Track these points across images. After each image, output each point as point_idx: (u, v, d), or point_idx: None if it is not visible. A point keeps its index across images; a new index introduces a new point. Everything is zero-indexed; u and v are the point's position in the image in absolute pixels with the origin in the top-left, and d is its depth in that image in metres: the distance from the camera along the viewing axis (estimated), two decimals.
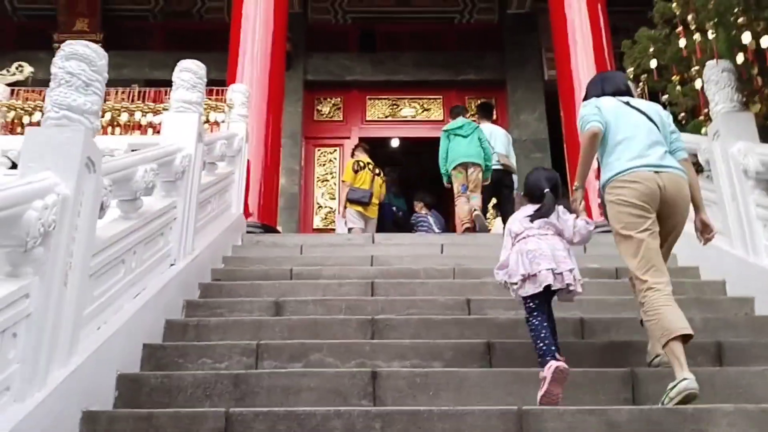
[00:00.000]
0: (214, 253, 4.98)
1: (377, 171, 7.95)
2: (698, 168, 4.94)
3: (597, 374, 3.06)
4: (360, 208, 7.59)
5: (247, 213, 6.78)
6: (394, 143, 12.02)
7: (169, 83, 9.42)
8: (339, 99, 11.13)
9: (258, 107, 7.40)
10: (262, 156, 7.28)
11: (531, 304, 3.10)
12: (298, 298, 4.23)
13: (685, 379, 2.69)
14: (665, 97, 6.21)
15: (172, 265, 4.12)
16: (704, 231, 3.28)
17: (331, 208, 10.39)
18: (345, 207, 7.72)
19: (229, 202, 5.94)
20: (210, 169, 5.38)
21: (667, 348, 2.82)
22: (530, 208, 3.33)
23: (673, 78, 5.86)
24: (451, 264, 5.08)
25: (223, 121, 6.43)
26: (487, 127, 7.37)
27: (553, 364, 2.82)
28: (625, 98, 3.36)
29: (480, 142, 6.57)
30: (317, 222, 10.33)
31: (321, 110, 11.08)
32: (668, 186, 3.08)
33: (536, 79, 10.90)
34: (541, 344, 2.98)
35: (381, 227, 7.69)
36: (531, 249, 3.12)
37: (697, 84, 5.39)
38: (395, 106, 11.11)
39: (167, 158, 4.11)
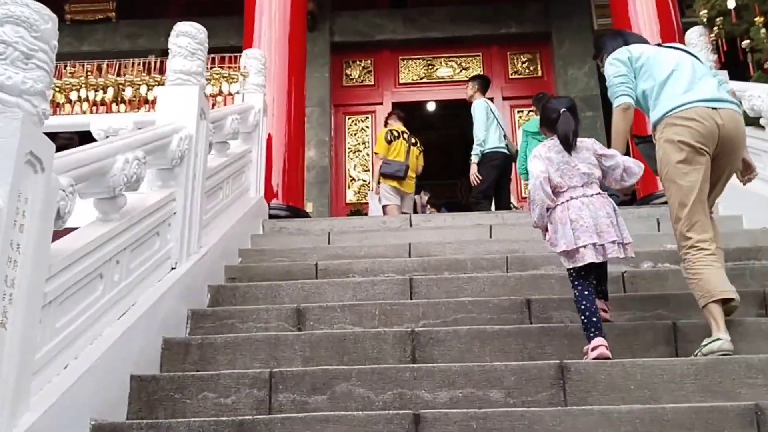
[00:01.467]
0: (228, 247, 4.33)
1: (413, 140, 7.17)
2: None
3: None
4: (395, 183, 6.84)
5: (269, 194, 6.12)
6: (430, 107, 11.19)
7: None
8: (369, 61, 10.28)
9: (279, 74, 6.68)
10: (285, 129, 6.58)
11: (573, 273, 2.91)
12: (324, 303, 3.55)
13: (719, 339, 2.66)
14: (746, 42, 5.27)
15: (172, 269, 3.47)
16: (746, 171, 3.12)
17: (364, 180, 9.67)
18: (378, 182, 6.99)
19: (247, 184, 5.27)
20: (220, 150, 4.70)
21: (705, 309, 2.75)
22: (555, 141, 3.02)
23: (757, 19, 4.92)
24: (503, 251, 4.33)
25: (237, 93, 5.73)
26: (491, 104, 6.79)
27: (597, 347, 2.72)
28: (655, 43, 3.26)
29: None
30: (350, 196, 9.62)
31: (350, 74, 10.27)
32: (727, 124, 2.85)
33: (585, 30, 9.86)
34: (583, 317, 2.82)
35: None
36: (573, 218, 2.86)
37: None
38: (431, 67, 10.23)
39: (160, 142, 3.42)
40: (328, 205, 9.35)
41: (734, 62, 5.57)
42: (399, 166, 6.87)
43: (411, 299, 3.65)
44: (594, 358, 2.70)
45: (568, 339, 2.99)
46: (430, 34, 10.04)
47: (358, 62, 10.30)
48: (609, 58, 3.16)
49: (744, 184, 3.24)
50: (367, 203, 8.83)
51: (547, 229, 3.02)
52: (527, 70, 10.05)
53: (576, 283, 2.89)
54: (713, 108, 2.87)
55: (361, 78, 10.24)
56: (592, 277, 2.92)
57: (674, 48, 3.19)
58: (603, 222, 2.83)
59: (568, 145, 2.96)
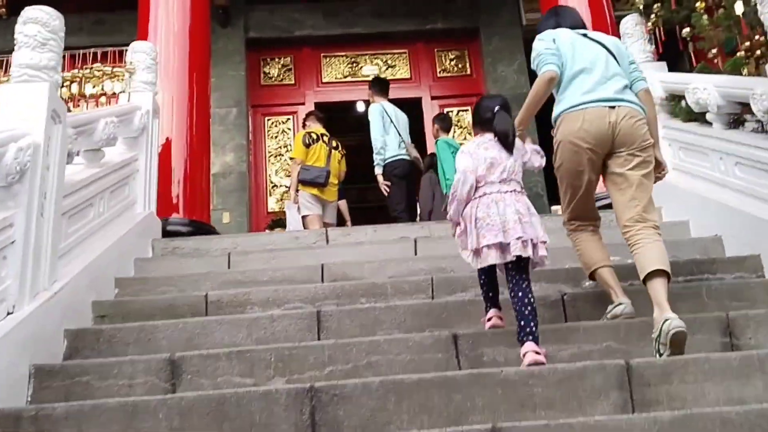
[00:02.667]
0: (100, 277, 3.58)
1: (334, 143, 6.53)
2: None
3: None
4: (315, 191, 6.18)
5: (168, 208, 5.38)
6: (360, 107, 10.56)
7: (85, 48, 7.86)
8: (289, 59, 9.57)
9: (179, 71, 5.95)
10: (187, 132, 5.83)
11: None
12: (208, 349, 2.86)
13: (620, 303, 2.97)
14: (686, 31, 4.87)
15: (9, 313, 2.73)
16: (656, 168, 3.14)
17: (287, 186, 8.90)
18: (297, 190, 6.32)
19: (132, 198, 4.51)
20: (91, 159, 3.94)
21: (597, 276, 3.03)
22: (484, 138, 2.95)
23: (698, 5, 4.51)
24: (429, 269, 3.76)
25: (122, 92, 4.96)
26: (389, 107, 6.38)
27: (491, 317, 2.95)
28: (582, 31, 3.22)
29: None
30: (272, 204, 8.89)
31: (269, 73, 9.53)
32: (622, 122, 2.92)
33: (514, 25, 9.46)
34: (483, 293, 3.00)
35: None
36: (479, 216, 2.77)
37: (738, 8, 4.06)
38: (355, 64, 9.61)
39: None
40: (248, 214, 8.61)
41: (674, 53, 5.17)
42: (319, 172, 6.22)
43: (317, 338, 3.03)
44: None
45: (503, 388, 2.42)
46: (352, 29, 9.41)
47: (276, 60, 9.58)
48: (538, 36, 3.20)
49: (654, 182, 3.18)
50: None
51: (458, 224, 2.92)
52: (456, 68, 9.56)
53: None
54: (610, 107, 2.94)
55: (281, 77, 9.53)
56: (522, 275, 2.75)
57: (595, 41, 3.16)
58: (510, 219, 2.72)
59: (508, 144, 2.88)
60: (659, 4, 4.78)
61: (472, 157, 2.88)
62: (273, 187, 9.02)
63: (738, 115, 4.02)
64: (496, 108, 2.93)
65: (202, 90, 6.19)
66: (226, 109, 8.96)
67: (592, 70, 3.03)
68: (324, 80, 9.50)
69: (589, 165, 2.97)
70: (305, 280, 3.74)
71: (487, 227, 2.72)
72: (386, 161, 6.16)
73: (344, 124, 11.65)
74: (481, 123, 3.01)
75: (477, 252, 2.76)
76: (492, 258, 2.71)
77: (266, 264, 4.04)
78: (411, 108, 9.14)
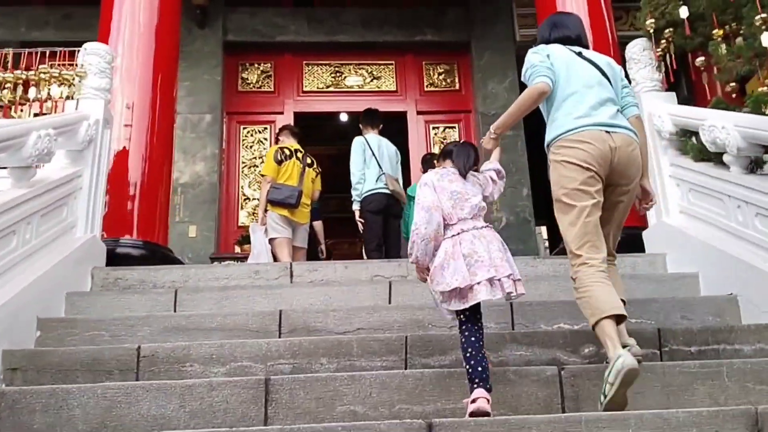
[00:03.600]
0: (17, 319, 3.04)
1: (309, 161, 6.02)
2: None
3: None
4: (286, 212, 5.66)
5: (119, 228, 4.86)
6: (344, 117, 10.06)
7: (51, 44, 7.29)
8: (269, 65, 9.05)
9: (142, 75, 5.42)
10: (146, 142, 5.29)
11: (463, 317, 2.62)
12: (126, 429, 2.34)
13: (620, 356, 2.42)
14: (701, 60, 4.43)
15: None
16: (644, 199, 3.09)
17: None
18: (265, 210, 5.79)
19: (71, 221, 3.96)
20: (19, 178, 3.39)
21: (597, 328, 2.60)
22: (447, 170, 2.84)
23: (715, 32, 4.08)
24: (404, 323, 3.27)
25: (68, 98, 4.41)
26: (374, 139, 5.94)
27: (477, 399, 2.41)
28: (577, 48, 3.07)
29: None
30: (243, 218, 8.34)
31: (247, 79, 9.00)
32: (620, 147, 2.81)
33: (507, 40, 9.01)
34: (468, 366, 2.52)
35: None
36: (466, 253, 2.61)
37: (765, 39, 3.62)
38: (338, 74, 9.11)
39: None
40: (216, 228, 8.07)
41: (685, 83, 4.73)
42: (291, 192, 5.70)
43: (264, 413, 2.50)
44: (471, 412, 2.39)
45: None
46: (338, 37, 8.93)
47: (256, 65, 9.06)
48: (532, 49, 3.05)
49: (641, 213, 3.17)
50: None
51: (428, 268, 2.70)
52: (444, 83, 9.09)
53: (464, 327, 2.60)
54: (606, 131, 2.82)
55: (260, 83, 9.00)
56: (480, 321, 2.63)
57: (588, 61, 3.01)
58: (497, 256, 2.62)
59: (464, 170, 2.80)
60: (672, 29, 4.33)
61: (435, 191, 2.74)
62: (245, 200, 8.48)
63: (756, 157, 3.58)
64: (462, 140, 2.86)
65: (167, 96, 5.65)
66: (199, 116, 8.43)
67: (585, 93, 2.90)
68: (305, 89, 9.00)
69: (594, 185, 2.77)
70: (259, 329, 3.22)
71: (477, 264, 2.57)
72: (363, 196, 5.73)
73: (326, 132, 11.24)
74: (443, 154, 2.98)
75: (464, 291, 2.56)
76: (484, 294, 2.54)
77: (217, 306, 3.52)
78: (395, 122, 8.71)
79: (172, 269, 4.07)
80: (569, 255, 2.79)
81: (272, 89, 8.97)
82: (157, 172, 5.34)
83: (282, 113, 8.77)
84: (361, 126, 6.18)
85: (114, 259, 4.70)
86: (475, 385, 2.45)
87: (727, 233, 3.63)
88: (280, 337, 3.20)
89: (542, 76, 2.88)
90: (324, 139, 11.89)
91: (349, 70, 9.12)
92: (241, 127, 8.81)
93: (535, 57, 2.97)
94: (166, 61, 5.69)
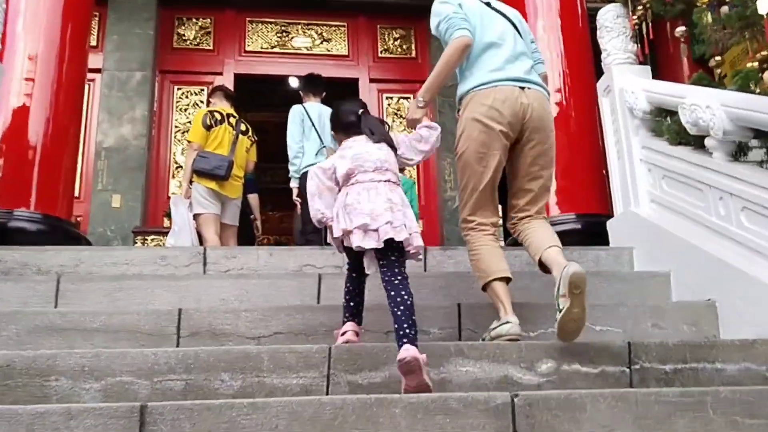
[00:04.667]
0: None
1: (243, 127, 5.37)
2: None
3: None
4: (213, 185, 5.02)
5: (12, 198, 4.18)
6: (292, 82, 9.34)
7: None
8: (209, 20, 8.27)
9: (48, 21, 4.76)
10: (50, 100, 4.60)
11: (348, 267, 2.72)
12: None
13: (507, 322, 2.56)
14: (681, 29, 3.96)
15: None
16: None
17: None
18: (190, 182, 5.14)
19: None
20: None
21: (489, 289, 2.66)
22: (347, 142, 2.75)
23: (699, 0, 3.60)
24: (332, 325, 2.73)
25: None
26: (315, 108, 5.27)
27: (346, 332, 2.57)
28: None
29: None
30: (174, 188, 7.62)
31: (184, 35, 8.21)
32: (533, 104, 2.72)
33: None
34: (344, 301, 2.65)
35: None
36: (349, 203, 2.60)
37: (763, 6, 3.14)
38: (285, 34, 8.39)
39: None
40: (144, 198, 7.35)
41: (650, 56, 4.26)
42: (220, 162, 5.05)
43: None
44: (344, 342, 2.53)
45: None
46: None
47: (194, 20, 8.26)
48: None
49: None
50: None
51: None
52: (399, 49, 8.47)
53: (347, 275, 2.72)
54: (521, 87, 2.74)
55: (198, 41, 8.22)
56: (364, 279, 2.69)
57: (500, 14, 2.92)
58: (380, 206, 2.58)
59: (382, 134, 2.73)
60: None
61: (326, 173, 2.70)
62: (177, 168, 7.73)
63: (742, 143, 3.13)
64: (360, 111, 2.79)
65: (78, 48, 4.94)
66: (128, 73, 7.64)
67: (500, 45, 2.81)
68: (247, 49, 8.26)
69: (500, 149, 2.73)
70: (153, 332, 2.63)
71: (354, 212, 2.58)
72: (300, 171, 5.06)
73: (273, 97, 10.50)
74: (345, 128, 2.80)
75: (346, 236, 2.58)
76: (357, 239, 2.52)
77: (108, 299, 2.91)
78: (346, 90, 8.08)
79: (61, 251, 3.42)
80: (461, 218, 2.81)
81: (211, 47, 8.20)
82: (63, 135, 4.66)
83: (221, 74, 8.04)
84: (301, 93, 5.55)
85: (5, 234, 4.04)
86: (345, 319, 2.61)
87: (706, 228, 3.19)
88: (178, 342, 2.62)
89: (461, 28, 2.74)
90: (271, 104, 11.13)
91: (297, 30, 8.41)
92: (176, 87, 8.03)
93: (447, 8, 2.80)
94: (79, 8, 4.95)
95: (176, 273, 3.33)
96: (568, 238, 4.51)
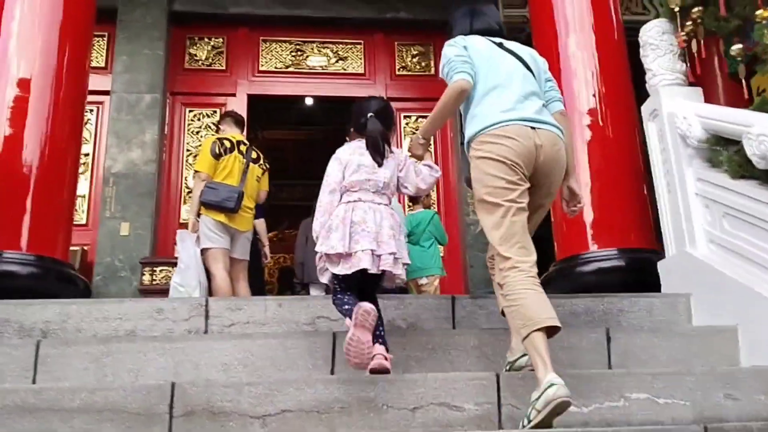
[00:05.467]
0: None
1: (255, 155, 5.03)
2: None
3: None
4: (222, 217, 4.68)
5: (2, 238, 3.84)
6: (308, 101, 9.06)
7: None
8: (221, 40, 7.98)
9: (43, 39, 4.45)
10: (46, 126, 4.29)
11: (338, 286, 2.74)
12: None
13: (552, 384, 2.16)
14: (737, 48, 3.53)
15: None
16: (571, 201, 2.88)
17: None
18: (198, 215, 4.80)
19: None
20: None
21: (527, 341, 2.34)
22: (361, 143, 2.89)
23: (759, 14, 3.19)
24: (348, 400, 2.33)
25: None
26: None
27: (358, 308, 2.47)
28: (498, 39, 2.90)
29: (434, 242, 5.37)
30: (185, 215, 7.30)
31: (195, 55, 7.92)
32: (546, 146, 2.64)
33: None
34: (341, 309, 2.65)
35: None
36: (356, 221, 2.66)
37: None
38: (299, 53, 8.08)
39: None
40: (153, 226, 7.03)
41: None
42: (229, 193, 4.70)
43: None
44: (360, 307, 2.47)
45: None
46: (299, 11, 7.88)
47: (206, 40, 7.98)
48: (448, 42, 2.88)
49: (570, 216, 2.99)
50: None
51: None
52: (418, 66, 8.12)
53: (338, 292, 2.72)
54: (532, 128, 2.64)
55: (210, 61, 7.93)
56: (356, 290, 2.71)
57: (510, 52, 2.86)
58: (385, 233, 2.66)
59: (379, 154, 2.83)
60: (701, 8, 3.42)
61: (341, 163, 2.83)
62: (189, 193, 7.40)
63: None
64: (370, 114, 2.89)
65: (77, 67, 4.63)
66: (137, 95, 7.35)
67: (508, 86, 2.73)
68: (261, 68, 7.95)
69: (522, 184, 2.60)
70: (140, 411, 2.25)
71: (362, 233, 2.62)
72: None
73: (290, 115, 10.21)
74: (357, 128, 2.95)
75: (346, 257, 2.62)
76: (365, 262, 2.59)
77: (93, 366, 2.55)
78: None
79: (47, 304, 3.06)
80: (497, 258, 2.60)
81: (224, 68, 7.91)
82: (59, 164, 4.35)
83: (234, 95, 7.74)
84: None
85: None
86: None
87: None
88: (170, 424, 2.24)
89: (461, 72, 2.70)
90: (287, 122, 10.90)
91: (312, 48, 8.09)
92: (187, 109, 7.74)
93: (451, 50, 2.78)
94: (77, 23, 4.66)
95: (174, 329, 2.97)
96: (610, 278, 4.13)
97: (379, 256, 2.61)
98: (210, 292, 4.65)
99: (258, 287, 5.65)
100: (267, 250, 5.77)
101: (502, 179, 2.56)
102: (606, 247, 4.25)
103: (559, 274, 4.38)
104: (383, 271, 2.65)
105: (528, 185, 2.61)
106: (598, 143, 4.54)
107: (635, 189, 4.40)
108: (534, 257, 2.54)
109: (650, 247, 4.26)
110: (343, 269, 2.62)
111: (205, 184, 4.72)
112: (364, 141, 2.84)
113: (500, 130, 2.61)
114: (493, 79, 2.73)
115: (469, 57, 2.75)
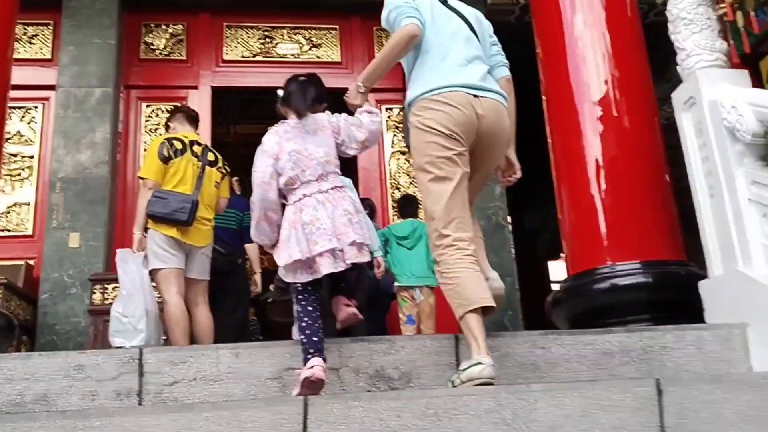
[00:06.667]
0: None
1: (212, 157, 4.32)
2: None
3: None
4: (173, 232, 3.97)
5: None
6: (279, 93, 8.28)
7: None
8: (181, 26, 7.21)
9: None
10: None
11: (300, 287, 2.55)
12: None
13: (479, 363, 2.24)
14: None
15: None
16: (507, 170, 2.86)
17: None
18: (146, 229, 4.08)
19: None
20: None
21: (463, 322, 2.36)
22: (287, 125, 2.77)
23: None
24: None
25: None
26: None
27: (314, 366, 2.31)
28: None
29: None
30: None
31: (152, 44, 7.14)
32: (488, 116, 2.57)
33: (475, 3, 7.34)
34: (303, 336, 2.43)
35: None
36: (307, 221, 2.52)
37: None
38: (268, 40, 7.33)
39: None
40: (106, 236, 6.26)
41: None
42: (181, 203, 3.99)
43: None
44: (306, 377, 2.29)
45: None
46: None
47: (164, 27, 7.21)
48: None
49: (504, 186, 2.90)
50: None
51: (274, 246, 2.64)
52: None
53: (301, 297, 2.53)
54: (475, 95, 2.56)
55: (169, 50, 7.17)
56: (319, 290, 2.60)
57: (455, 12, 2.73)
58: (340, 221, 2.53)
59: (306, 98, 2.80)
60: None
61: (270, 156, 2.65)
62: None
63: None
64: (301, 78, 2.88)
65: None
66: (87, 90, 6.58)
67: (452, 47, 2.63)
68: (226, 58, 7.21)
69: (463, 155, 2.54)
70: None
71: (318, 232, 2.48)
72: None
73: (267, 108, 9.43)
74: (284, 100, 2.87)
75: (308, 263, 2.50)
76: (326, 267, 2.47)
77: None
78: (339, 101, 7.01)
79: None
80: (433, 235, 2.53)
81: (184, 57, 7.15)
82: None
83: (196, 88, 7.01)
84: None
85: None
86: (310, 356, 2.37)
87: None
88: None
89: (410, 17, 2.60)
90: (263, 116, 10.16)
91: (282, 35, 7.36)
92: (144, 105, 6.98)
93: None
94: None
95: (98, 392, 2.28)
96: (633, 296, 3.51)
97: (341, 250, 2.50)
98: (162, 321, 3.97)
99: (239, 328, 4.99)
100: (258, 278, 5.16)
101: (442, 149, 2.49)
102: (627, 260, 3.62)
103: (571, 293, 3.74)
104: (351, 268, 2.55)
105: (468, 155, 2.55)
106: (613, 137, 3.90)
107: (659, 190, 3.78)
108: (470, 233, 2.51)
109: (678, 258, 3.64)
110: (307, 276, 2.51)
111: (152, 194, 4.01)
112: (290, 120, 2.73)
113: (441, 96, 2.53)
114: (437, 37, 2.64)
115: (418, 9, 2.65)
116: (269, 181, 2.59)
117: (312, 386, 2.31)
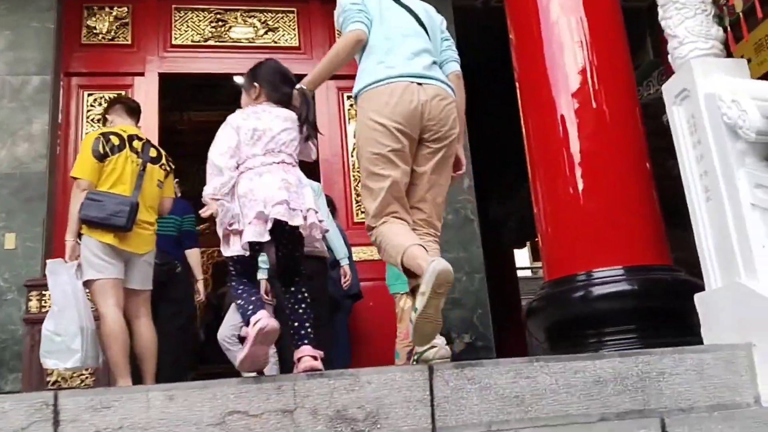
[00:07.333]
0: None
1: (154, 153, 3.89)
2: None
3: None
4: (110, 238, 3.54)
5: None
6: (238, 80, 7.79)
7: None
8: (126, 9, 6.67)
9: None
10: None
11: (234, 271, 2.53)
12: None
13: (432, 261, 2.19)
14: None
15: None
16: (454, 166, 2.77)
17: None
18: (79, 235, 3.65)
19: None
20: None
21: (405, 259, 2.31)
22: (259, 107, 2.73)
23: None
24: None
25: None
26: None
27: (259, 321, 2.26)
28: None
29: None
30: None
31: (94, 28, 6.58)
32: (432, 101, 2.56)
33: None
34: (242, 301, 2.42)
35: None
36: (241, 193, 2.46)
37: None
38: (220, 24, 6.85)
39: None
40: (45, 236, 5.77)
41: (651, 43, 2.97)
42: (119, 205, 3.57)
43: None
44: (258, 330, 2.25)
45: None
46: None
47: (107, 10, 6.66)
48: None
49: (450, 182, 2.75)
50: None
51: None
52: None
53: (235, 281, 2.50)
54: (418, 83, 2.55)
55: (113, 34, 6.63)
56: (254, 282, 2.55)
57: (407, 9, 2.75)
58: (274, 186, 2.43)
59: (284, 98, 2.72)
60: None
61: (234, 130, 2.61)
62: None
63: None
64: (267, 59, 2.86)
65: None
66: (23, 78, 6.06)
67: (399, 41, 2.63)
68: (175, 42, 6.70)
69: (404, 152, 2.52)
70: None
71: (250, 203, 2.41)
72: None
73: (221, 94, 8.97)
74: (251, 77, 2.84)
75: (237, 233, 2.43)
76: (250, 234, 2.36)
77: None
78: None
79: None
80: (367, 231, 2.57)
81: (129, 42, 6.62)
82: None
83: (143, 74, 6.50)
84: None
85: None
86: (251, 312, 2.34)
87: None
88: None
89: (357, 22, 2.63)
90: (218, 102, 9.66)
91: (236, 18, 6.89)
92: (86, 93, 6.43)
93: (346, 0, 2.71)
94: None
95: None
96: (616, 305, 3.23)
97: (268, 216, 2.40)
98: (99, 338, 3.56)
99: (178, 337, 4.60)
100: (201, 285, 4.80)
101: (379, 145, 2.50)
102: (608, 266, 3.34)
103: (549, 302, 3.46)
104: (291, 237, 2.52)
105: (411, 148, 2.53)
106: (592, 131, 3.61)
107: (642, 188, 3.51)
108: (408, 218, 2.54)
109: (664, 262, 3.38)
110: (235, 250, 2.42)
111: (85, 195, 3.58)
112: (262, 103, 2.70)
113: (383, 88, 2.54)
114: (384, 33, 2.66)
115: (365, 6, 2.68)
116: (231, 166, 2.52)
117: (266, 337, 2.27)
